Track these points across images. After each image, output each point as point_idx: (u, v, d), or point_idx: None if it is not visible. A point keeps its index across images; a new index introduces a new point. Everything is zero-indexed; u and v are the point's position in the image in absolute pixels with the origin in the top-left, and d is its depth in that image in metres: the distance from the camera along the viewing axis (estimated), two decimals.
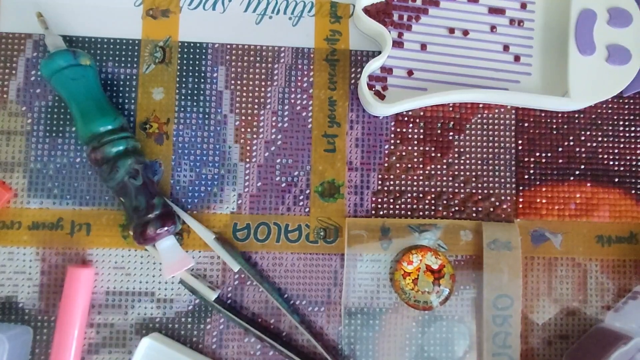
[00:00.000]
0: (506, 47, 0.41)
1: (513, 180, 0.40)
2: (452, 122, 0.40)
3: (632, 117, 0.41)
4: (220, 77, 0.40)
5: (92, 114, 0.36)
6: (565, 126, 0.41)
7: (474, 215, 0.40)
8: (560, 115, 0.41)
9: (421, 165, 0.40)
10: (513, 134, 0.41)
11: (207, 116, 0.39)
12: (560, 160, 0.41)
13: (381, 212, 0.39)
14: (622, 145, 0.41)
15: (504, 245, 0.38)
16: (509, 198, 0.40)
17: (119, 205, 0.38)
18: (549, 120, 0.41)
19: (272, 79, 0.40)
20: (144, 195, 0.36)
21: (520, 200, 0.40)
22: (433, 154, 0.40)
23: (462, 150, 0.40)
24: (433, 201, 0.40)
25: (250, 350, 0.38)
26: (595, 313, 0.40)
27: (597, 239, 0.40)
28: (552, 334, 0.39)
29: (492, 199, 0.40)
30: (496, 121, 0.41)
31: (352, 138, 0.40)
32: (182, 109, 0.39)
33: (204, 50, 0.40)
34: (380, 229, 0.39)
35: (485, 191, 0.40)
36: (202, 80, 0.40)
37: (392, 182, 0.40)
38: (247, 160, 0.39)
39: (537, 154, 0.40)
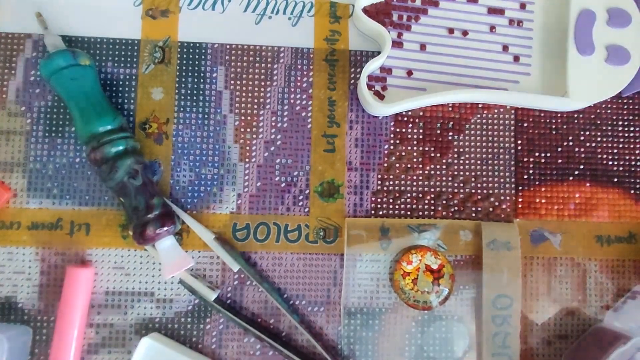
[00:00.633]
0: (505, 47, 0.41)
1: (512, 180, 0.40)
2: (451, 122, 0.40)
3: (631, 117, 0.41)
4: (220, 77, 0.40)
5: (91, 114, 0.36)
6: (565, 126, 0.41)
7: (474, 215, 0.40)
8: (559, 115, 0.41)
9: (421, 166, 0.40)
10: (512, 134, 0.41)
11: (206, 116, 0.39)
12: (560, 160, 0.41)
13: (381, 212, 0.39)
14: (621, 145, 0.41)
15: (504, 245, 0.39)
16: (508, 198, 0.40)
17: (119, 206, 0.38)
18: (548, 121, 0.41)
19: (271, 79, 0.40)
20: (144, 196, 0.36)
21: (520, 200, 0.40)
22: (432, 154, 0.40)
23: (461, 150, 0.40)
24: (432, 201, 0.40)
25: (249, 350, 0.38)
26: (595, 313, 0.40)
27: (596, 238, 0.40)
28: (552, 334, 0.39)
29: (492, 199, 0.40)
30: (495, 121, 0.41)
31: (351, 138, 0.40)
32: (182, 109, 0.39)
33: (203, 50, 0.40)
34: (380, 229, 0.39)
35: (485, 191, 0.40)
36: (202, 80, 0.40)
37: (391, 182, 0.40)
38: (247, 160, 0.39)
39: (537, 154, 0.41)
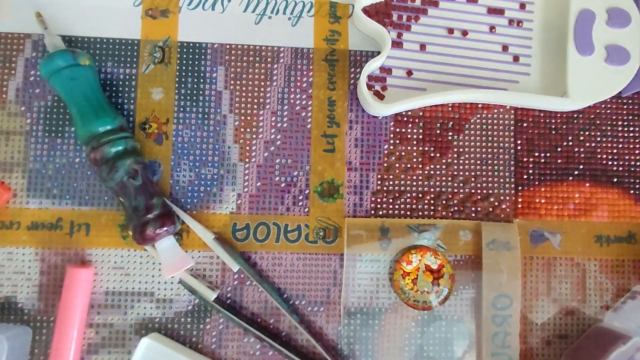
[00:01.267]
0: (505, 48, 0.41)
1: (512, 180, 0.40)
2: (451, 122, 0.40)
3: (630, 117, 0.41)
4: (220, 77, 0.40)
5: (91, 114, 0.36)
6: (564, 126, 0.41)
7: (473, 215, 0.40)
8: (559, 115, 0.41)
9: (420, 165, 0.40)
10: (512, 134, 0.41)
11: (206, 116, 0.39)
12: (559, 160, 0.41)
13: (380, 212, 0.39)
14: (620, 146, 0.41)
15: (503, 245, 0.39)
16: (508, 198, 0.40)
17: (118, 206, 0.38)
18: (548, 121, 0.41)
19: (271, 79, 0.40)
20: (143, 196, 0.36)
21: (519, 200, 0.40)
22: (432, 154, 0.40)
23: (461, 150, 0.40)
24: (432, 201, 0.40)
25: (249, 350, 0.38)
26: (594, 313, 0.40)
27: (595, 238, 0.40)
28: (551, 334, 0.39)
29: (491, 199, 0.40)
30: (495, 121, 0.41)
31: (351, 138, 0.40)
32: (182, 109, 0.39)
33: (203, 51, 0.40)
34: (380, 229, 0.39)
35: (485, 191, 0.40)
36: (202, 80, 0.40)
37: (391, 182, 0.40)
38: (247, 160, 0.39)
39: (536, 154, 0.41)
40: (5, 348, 0.34)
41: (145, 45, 0.40)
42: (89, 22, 0.39)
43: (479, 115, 0.41)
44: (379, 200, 0.40)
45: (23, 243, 0.38)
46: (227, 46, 0.40)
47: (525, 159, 0.40)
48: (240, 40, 0.40)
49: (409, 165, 0.40)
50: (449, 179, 0.40)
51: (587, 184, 0.41)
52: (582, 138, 0.41)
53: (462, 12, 0.41)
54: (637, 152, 0.41)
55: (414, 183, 0.40)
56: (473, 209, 0.40)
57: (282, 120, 0.40)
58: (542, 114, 0.41)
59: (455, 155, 0.40)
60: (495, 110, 0.41)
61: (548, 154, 0.41)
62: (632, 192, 0.41)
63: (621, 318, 0.39)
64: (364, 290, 0.39)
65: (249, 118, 0.40)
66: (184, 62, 0.40)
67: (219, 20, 0.40)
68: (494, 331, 0.38)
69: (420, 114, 0.40)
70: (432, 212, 0.40)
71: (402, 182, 0.40)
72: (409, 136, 0.40)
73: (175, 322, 0.38)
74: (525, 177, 0.40)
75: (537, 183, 0.40)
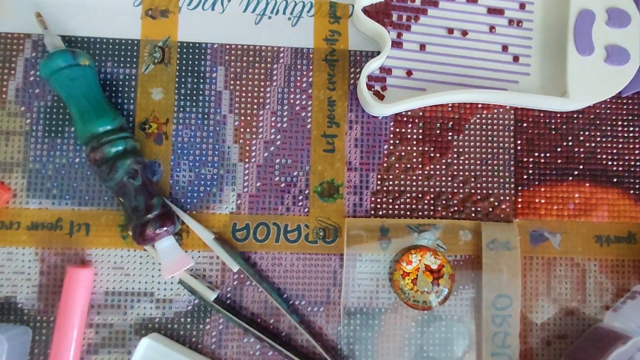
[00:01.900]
0: (505, 48, 0.41)
1: (512, 180, 0.40)
2: (451, 122, 0.40)
3: (630, 117, 0.41)
4: (220, 77, 0.40)
5: (91, 114, 0.36)
6: (564, 126, 0.41)
7: (473, 215, 0.40)
8: (559, 115, 0.41)
9: (420, 166, 0.40)
10: (512, 134, 0.41)
11: (206, 116, 0.39)
12: (559, 160, 0.41)
13: (380, 212, 0.39)
14: (620, 146, 0.41)
15: (503, 245, 0.39)
16: (507, 198, 0.40)
17: (118, 206, 0.38)
18: (547, 121, 0.41)
19: (271, 79, 0.40)
20: (143, 196, 0.36)
21: (519, 200, 0.40)
22: (432, 154, 0.40)
23: (461, 150, 0.40)
24: (432, 201, 0.40)
25: (249, 350, 0.38)
26: (594, 313, 0.40)
27: (595, 238, 0.40)
28: (551, 334, 0.39)
29: (491, 199, 0.40)
30: (495, 121, 0.41)
31: (351, 138, 0.40)
32: (181, 109, 0.39)
33: (203, 51, 0.40)
34: (380, 229, 0.39)
35: (484, 191, 0.40)
36: (202, 80, 0.40)
37: (391, 182, 0.40)
38: (247, 160, 0.39)
39: (536, 154, 0.41)
40: (5, 348, 0.34)
41: (145, 45, 0.40)
42: (89, 22, 0.39)
43: (478, 115, 0.41)
44: (378, 200, 0.40)
45: (23, 243, 0.38)
46: (227, 46, 0.40)
47: (525, 159, 0.40)
48: (240, 40, 0.40)
49: (408, 166, 0.40)
50: (449, 179, 0.40)
51: (587, 184, 0.41)
52: (582, 138, 0.41)
53: (462, 12, 0.41)
54: (637, 152, 0.41)
55: (414, 183, 0.40)
56: (473, 209, 0.40)
57: (282, 120, 0.40)
58: (542, 114, 0.41)
59: (455, 155, 0.40)
60: (495, 110, 0.41)
61: (548, 154, 0.41)
62: (632, 192, 0.41)
63: (621, 318, 0.39)
64: (364, 291, 0.39)
65: (248, 118, 0.40)
66: (184, 62, 0.40)
67: (219, 20, 0.40)
68: (494, 331, 0.38)
69: (420, 114, 0.40)
70: (432, 212, 0.40)
71: (402, 182, 0.40)
72: (409, 136, 0.40)
73: (175, 322, 0.38)
74: (525, 177, 0.40)
75: (537, 183, 0.40)
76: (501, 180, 0.40)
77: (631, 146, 0.41)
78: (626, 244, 0.40)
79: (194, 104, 0.40)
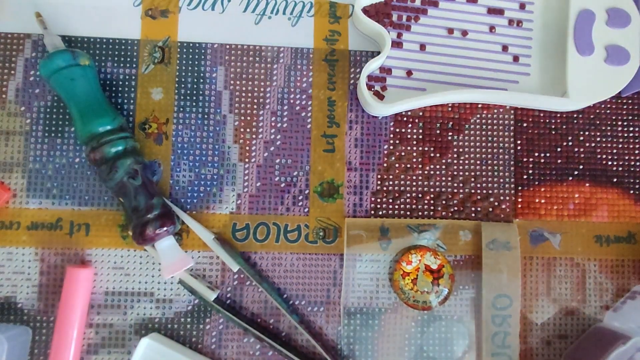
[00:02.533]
0: (505, 48, 0.41)
1: (512, 180, 0.40)
2: (451, 122, 0.40)
3: (630, 117, 0.41)
4: (220, 77, 0.40)
5: (91, 114, 0.36)
6: (564, 126, 0.41)
7: (473, 215, 0.40)
8: (559, 115, 0.41)
9: (420, 166, 0.40)
10: (512, 134, 0.41)
11: (206, 116, 0.39)
12: (559, 161, 0.41)
13: (380, 212, 0.39)
14: (620, 146, 0.41)
15: (503, 245, 0.39)
16: (507, 198, 0.40)
17: (118, 206, 0.38)
18: (547, 121, 0.41)
19: (271, 79, 0.40)
20: (143, 196, 0.36)
21: (519, 200, 0.40)
22: (432, 154, 0.40)
23: (461, 150, 0.40)
24: (432, 201, 0.40)
25: (249, 350, 0.38)
26: (594, 313, 0.40)
27: (595, 238, 0.40)
28: (551, 334, 0.39)
29: (491, 199, 0.40)
30: (495, 121, 0.41)
31: (351, 138, 0.40)
32: (181, 109, 0.39)
33: (203, 51, 0.40)
34: (380, 229, 0.39)
35: (484, 191, 0.40)
36: (201, 80, 0.40)
37: (391, 182, 0.40)
38: (246, 160, 0.39)
39: (536, 154, 0.41)
40: (5, 348, 0.34)
41: (145, 45, 0.40)
42: (89, 22, 0.39)
43: (478, 115, 0.41)
44: (378, 200, 0.40)
45: (23, 243, 0.38)
46: (227, 46, 0.40)
47: (525, 159, 0.40)
48: (240, 40, 0.40)
49: (408, 166, 0.40)
50: (449, 179, 0.40)
51: (587, 184, 0.41)
52: (582, 138, 0.41)
53: (461, 12, 0.41)
54: (637, 152, 0.41)
55: (414, 183, 0.40)
56: (473, 209, 0.40)
57: (282, 120, 0.40)
58: (542, 114, 0.41)
59: (455, 155, 0.40)
60: (495, 110, 0.41)
61: (548, 154, 0.41)
62: (632, 192, 0.41)
63: (621, 318, 0.39)
64: (364, 291, 0.39)
65: (248, 118, 0.40)
66: (184, 62, 0.40)
67: (219, 20, 0.40)
68: (494, 331, 0.38)
69: (420, 114, 0.40)
70: (432, 212, 0.40)
71: (402, 182, 0.40)
72: (409, 136, 0.40)
73: (175, 322, 0.38)
74: (525, 177, 0.40)
75: (537, 183, 0.40)
76: (501, 180, 0.40)
77: (631, 146, 0.41)
78: (626, 244, 0.40)
79: (194, 104, 0.40)
